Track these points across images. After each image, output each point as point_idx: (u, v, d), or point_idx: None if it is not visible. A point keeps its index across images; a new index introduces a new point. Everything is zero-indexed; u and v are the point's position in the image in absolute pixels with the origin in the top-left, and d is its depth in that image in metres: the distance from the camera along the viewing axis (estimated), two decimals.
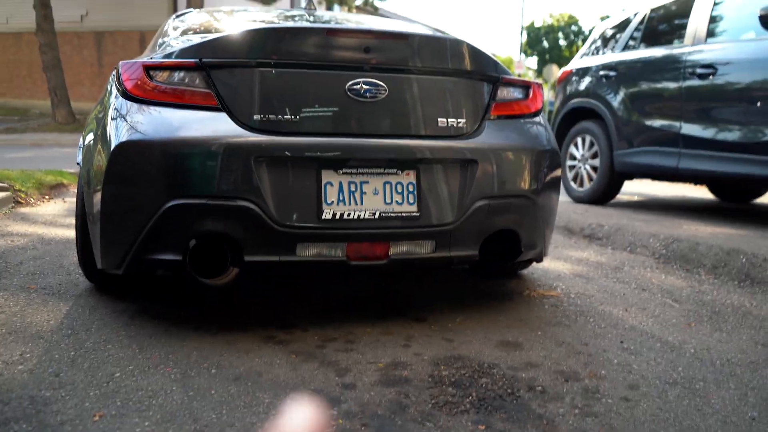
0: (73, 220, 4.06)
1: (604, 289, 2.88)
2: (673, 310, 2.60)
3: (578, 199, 5.51)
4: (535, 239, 2.41)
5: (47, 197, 5.16)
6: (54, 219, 4.18)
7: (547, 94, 25.70)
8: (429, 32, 2.59)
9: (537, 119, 2.48)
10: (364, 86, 2.11)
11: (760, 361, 2.05)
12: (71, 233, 3.66)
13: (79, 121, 15.88)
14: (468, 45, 2.33)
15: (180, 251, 2.01)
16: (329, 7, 24.28)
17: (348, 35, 2.17)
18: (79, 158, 2.60)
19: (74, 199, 5.15)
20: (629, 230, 3.90)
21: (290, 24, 2.72)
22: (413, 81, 2.20)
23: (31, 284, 2.59)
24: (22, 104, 20.77)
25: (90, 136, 2.41)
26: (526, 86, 2.47)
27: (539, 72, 33.20)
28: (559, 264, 3.36)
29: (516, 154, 2.30)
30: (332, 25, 2.47)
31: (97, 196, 2.08)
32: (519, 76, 20.78)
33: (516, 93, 2.43)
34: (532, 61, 35.93)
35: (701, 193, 6.67)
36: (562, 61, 33.65)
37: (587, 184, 5.46)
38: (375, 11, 20.40)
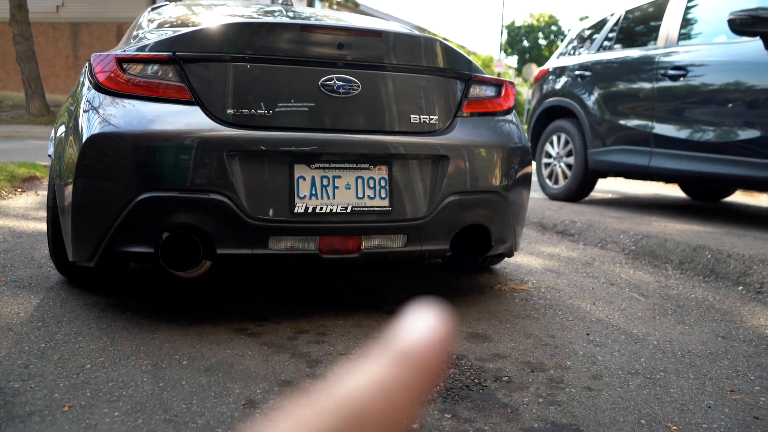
0: (45, 214, 4.03)
1: (574, 283, 2.94)
2: (639, 303, 2.66)
3: (553, 197, 5.59)
4: (505, 234, 2.46)
5: (19, 190, 5.09)
6: (26, 212, 4.14)
7: (526, 93, 25.92)
8: (403, 30, 2.62)
9: (509, 117, 2.52)
10: (337, 82, 2.14)
11: (719, 352, 2.12)
12: (43, 226, 3.62)
13: (54, 113, 15.63)
14: (441, 43, 2.36)
15: (152, 244, 2.02)
16: (310, 4, 24.20)
17: (322, 31, 2.19)
18: (51, 150, 2.59)
19: (46, 192, 5.10)
20: (601, 227, 3.98)
21: (265, 19, 2.73)
22: (387, 78, 2.23)
23: (1, 277, 2.57)
24: None
25: (62, 129, 2.40)
26: (498, 84, 2.51)
27: (519, 71, 33.43)
28: (531, 259, 3.42)
29: (487, 150, 2.34)
30: (306, 21, 2.48)
31: (69, 189, 2.08)
32: (499, 74, 20.94)
33: (488, 91, 2.47)
34: (513, 60, 36.20)
35: (673, 191, 6.81)
36: (541, 61, 33.92)
37: (562, 182, 5.54)
38: (356, 8, 20.37)
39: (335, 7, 19.97)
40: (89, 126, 2.06)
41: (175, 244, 2.08)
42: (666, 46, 4.66)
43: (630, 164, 4.79)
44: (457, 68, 2.38)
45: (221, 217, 2.01)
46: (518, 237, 2.57)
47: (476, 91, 2.43)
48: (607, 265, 3.35)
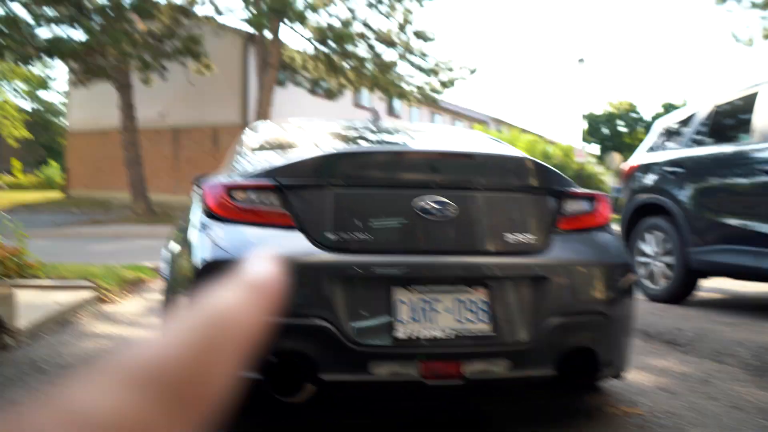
0: (152, 320, 4.20)
1: (693, 406, 2.70)
2: None
3: (653, 298, 5.30)
4: (613, 356, 2.32)
5: (127, 293, 5.37)
6: (135, 318, 4.33)
7: (611, 180, 25.41)
8: (494, 149, 2.65)
9: (606, 231, 2.45)
10: (432, 204, 2.16)
11: None
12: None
13: (156, 213, 16.75)
14: (532, 161, 2.37)
15: (259, 369, 2.03)
16: (390, 103, 25.24)
17: (415, 156, 2.25)
18: (163, 268, 2.72)
19: (153, 296, 5.34)
20: (713, 336, 3.69)
21: (357, 145, 2.82)
22: (480, 198, 2.23)
23: None
24: (104, 196, 22.15)
25: (175, 248, 2.53)
26: (592, 198, 2.47)
27: (601, 159, 33.01)
28: (640, 375, 3.19)
29: (587, 268, 2.26)
30: (400, 148, 2.56)
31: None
32: (581, 164, 20.58)
33: (583, 205, 2.43)
34: (594, 149, 35.92)
35: None
36: (623, 148, 33.41)
37: (662, 282, 5.26)
38: (435, 103, 21.05)
39: (413, 102, 20.70)
40: (202, 249, 2.15)
41: (280, 370, 2.09)
42: (761, 141, 4.46)
43: (739, 265, 4.50)
44: (549, 184, 2.36)
45: (324, 343, 2.01)
46: (627, 357, 2.42)
47: (571, 206, 2.39)
48: (728, 383, 3.07)
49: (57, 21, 15.12)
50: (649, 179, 5.60)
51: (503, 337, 2.11)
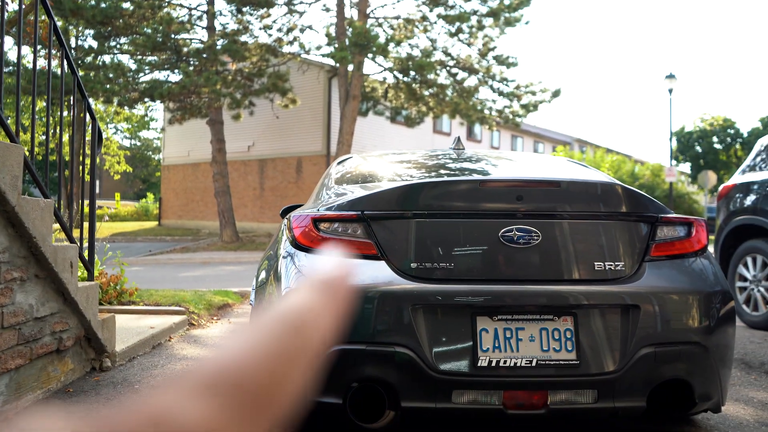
0: None
1: None
2: None
3: (753, 325, 4.98)
4: (710, 389, 2.21)
5: (215, 318, 5.63)
6: (221, 341, 4.52)
7: (704, 201, 24.12)
8: (579, 176, 2.61)
9: (702, 257, 2.35)
10: (517, 233, 2.16)
11: None
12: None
13: (242, 240, 17.44)
14: (621, 186, 2.31)
15: (341, 395, 2.09)
16: (470, 128, 25.21)
17: (500, 185, 2.26)
18: (252, 298, 2.85)
19: (238, 319, 5.57)
20: None
21: (439, 175, 2.85)
22: (566, 225, 2.21)
23: None
24: (194, 225, 23.33)
25: (263, 276, 2.65)
26: (687, 223, 2.37)
27: (693, 178, 31.38)
28: (738, 407, 3.01)
29: (682, 296, 2.18)
30: (483, 176, 2.57)
31: None
32: (671, 184, 19.62)
33: (677, 231, 2.34)
34: (685, 167, 34.19)
35: None
36: (719, 166, 31.66)
37: (763, 309, 4.94)
38: (516, 127, 20.86)
39: (495, 128, 20.60)
40: (287, 277, 2.25)
41: (362, 396, 2.14)
42: None
43: None
44: (640, 210, 2.30)
45: (406, 370, 2.04)
46: (725, 391, 2.30)
47: (664, 232, 2.31)
48: None
49: (157, 66, 16.30)
50: (748, 200, 5.30)
51: (589, 367, 2.06)
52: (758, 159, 5.56)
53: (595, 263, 2.18)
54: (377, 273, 2.15)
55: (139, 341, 4.03)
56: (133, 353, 3.92)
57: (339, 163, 3.37)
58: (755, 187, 5.23)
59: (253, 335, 0.30)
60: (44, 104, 12.52)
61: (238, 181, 21.87)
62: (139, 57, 16.45)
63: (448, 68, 18.12)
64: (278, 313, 0.31)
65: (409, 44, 17.47)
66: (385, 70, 17.53)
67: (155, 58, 16.35)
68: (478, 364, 2.03)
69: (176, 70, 16.38)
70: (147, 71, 16.63)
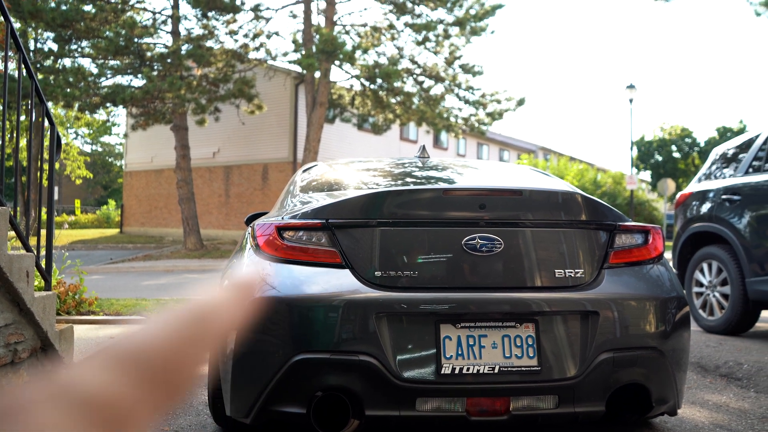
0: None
1: None
2: None
3: (709, 329, 5.12)
4: (666, 393, 2.26)
5: None
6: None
7: (664, 208, 24.75)
8: (541, 184, 2.66)
9: (659, 264, 2.41)
10: (480, 241, 2.18)
11: None
12: (201, 369, 3.87)
13: (207, 248, 17.21)
14: (582, 195, 2.36)
15: (304, 404, 2.08)
16: (437, 136, 25.39)
17: (464, 193, 2.28)
18: None
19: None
20: None
21: (404, 183, 2.87)
22: (528, 234, 2.24)
23: (165, 426, 2.75)
24: (158, 232, 22.93)
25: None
26: (644, 231, 2.44)
27: (653, 186, 32.19)
28: (694, 410, 3.09)
29: (639, 303, 2.23)
30: (447, 185, 2.60)
31: (231, 346, 2.23)
32: (632, 192, 20.09)
33: (635, 239, 2.40)
34: (645, 175, 35.05)
35: None
36: (677, 174, 32.53)
37: (718, 313, 5.08)
38: (482, 135, 21.08)
39: (461, 136, 20.79)
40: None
41: (325, 405, 2.13)
42: None
43: None
44: (599, 218, 2.35)
45: (370, 379, 2.04)
46: (681, 394, 2.36)
47: (622, 240, 2.37)
48: None
49: (120, 71, 16.01)
50: (704, 208, 5.45)
51: (550, 373, 2.09)
52: (713, 167, 5.74)
53: (556, 270, 2.22)
54: (341, 281, 2.14)
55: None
56: None
57: (304, 170, 3.36)
58: (711, 195, 5.40)
59: (164, 319, 0.34)
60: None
61: (203, 187, 21.59)
62: (101, 61, 16.14)
63: (414, 76, 18.26)
64: (186, 305, 0.36)
65: (376, 52, 17.56)
66: (352, 77, 17.58)
67: (118, 62, 16.08)
68: (442, 372, 2.05)
69: (139, 75, 16.13)
70: (109, 75, 16.34)
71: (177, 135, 16.88)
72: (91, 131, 36.32)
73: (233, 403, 2.23)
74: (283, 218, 2.42)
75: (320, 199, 2.49)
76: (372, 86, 17.50)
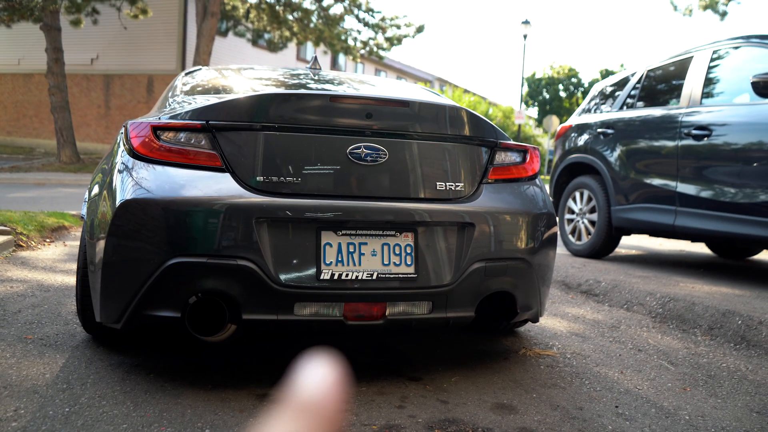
0: (73, 265, 4.10)
1: (601, 349, 2.89)
2: (668, 373, 2.60)
3: (576, 253, 5.55)
4: (530, 301, 2.44)
5: (48, 240, 5.19)
6: (54, 264, 4.21)
7: (547, 144, 26.07)
8: (429, 99, 2.67)
9: (534, 182, 2.53)
10: (365, 150, 2.18)
11: (754, 430, 2.05)
12: (70, 279, 3.68)
13: (84, 162, 16.07)
14: (467, 111, 2.40)
15: (179, 308, 2.04)
16: (334, 57, 24.80)
17: (350, 101, 2.24)
18: (84, 211, 2.65)
19: (75, 242, 5.19)
20: (626, 287, 3.92)
21: (294, 90, 2.79)
22: (413, 145, 2.26)
23: (28, 334, 2.61)
24: (27, 143, 21.05)
25: (96, 190, 2.45)
26: (523, 150, 2.53)
27: (539, 122, 33.67)
28: (555, 321, 3.37)
29: (513, 217, 2.35)
30: (334, 91, 2.54)
31: (100, 251, 2.12)
32: (520, 126, 20.97)
33: (513, 157, 2.50)
34: (534, 112, 36.54)
35: (699, 248, 6.71)
36: (562, 112, 34.18)
37: (585, 238, 5.50)
38: (380, 60, 20.82)
39: (359, 60, 20.46)
40: (123, 190, 2.11)
41: (201, 309, 2.10)
42: (689, 106, 4.68)
43: (655, 222, 4.75)
44: (482, 135, 2.41)
45: (248, 283, 2.03)
46: (544, 303, 2.55)
47: (502, 157, 2.46)
48: (634, 329, 3.29)
49: None
50: (581, 140, 5.78)
51: (426, 280, 2.18)
52: (592, 103, 6.06)
53: (438, 183, 2.27)
54: (221, 186, 2.07)
55: None
56: None
57: (187, 74, 3.16)
58: (588, 128, 5.72)
59: None
60: None
61: (80, 97, 19.92)
62: None
63: None
64: None
65: None
66: None
67: None
68: (321, 277, 2.07)
69: None
70: None
71: (48, 36, 15.24)
72: None
73: (103, 309, 2.14)
74: (160, 118, 2.28)
75: (203, 101, 2.36)
76: None
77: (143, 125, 2.21)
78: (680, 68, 5.01)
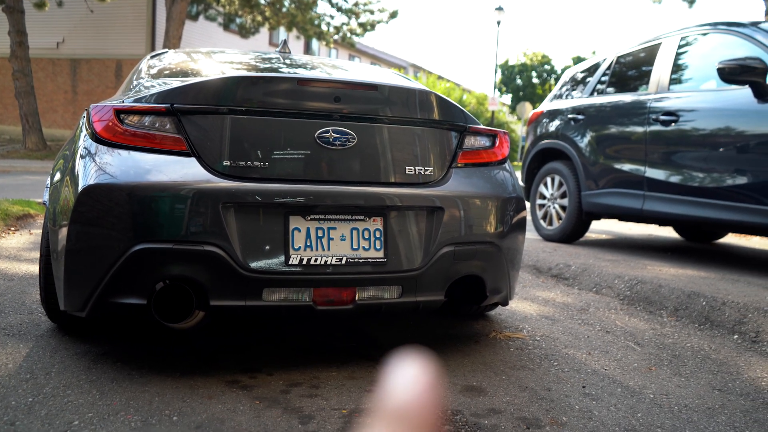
0: (37, 254, 4.01)
1: (569, 331, 2.93)
2: (634, 353, 2.65)
3: (547, 238, 5.61)
4: (500, 284, 2.45)
5: (13, 229, 5.07)
6: (18, 253, 4.11)
7: (520, 130, 26.25)
8: (398, 83, 2.65)
9: (503, 167, 2.54)
10: (333, 134, 2.16)
11: (716, 406, 2.10)
12: (35, 268, 3.60)
13: (50, 148, 15.71)
14: (436, 95, 2.39)
15: (145, 295, 2.00)
16: (308, 43, 24.56)
17: (319, 85, 2.22)
18: (46, 197, 2.58)
19: (40, 231, 5.08)
20: (595, 271, 3.98)
21: (261, 72, 2.75)
22: (382, 130, 2.25)
23: None
24: None
25: (57, 176, 2.39)
26: (492, 135, 2.54)
27: (513, 109, 33.87)
28: (526, 304, 3.41)
29: (482, 201, 2.35)
30: (303, 75, 2.52)
31: (62, 239, 2.07)
32: (493, 112, 21.06)
33: (483, 141, 2.50)
34: (507, 98, 36.70)
35: (667, 232, 6.84)
36: (535, 99, 34.42)
37: (556, 223, 5.56)
38: (352, 47, 20.68)
39: (332, 46, 20.28)
40: (85, 175, 2.06)
41: (168, 296, 2.07)
42: (657, 92, 4.74)
43: (623, 207, 4.82)
44: (452, 120, 2.41)
45: (215, 269, 2.00)
46: (513, 287, 2.57)
47: (471, 141, 2.46)
48: (602, 311, 3.34)
49: None
50: (552, 126, 5.82)
51: (396, 264, 2.17)
52: (564, 89, 6.10)
53: (407, 167, 2.27)
54: (187, 170, 2.04)
55: None
56: None
57: (153, 56, 3.10)
58: (559, 114, 5.76)
59: None
60: None
61: (46, 82, 19.43)
62: None
63: None
64: None
65: None
66: None
67: None
68: (290, 262, 2.05)
69: None
70: None
71: (11, 18, 14.79)
72: None
73: (67, 297, 2.09)
74: (123, 102, 2.22)
75: (168, 84, 2.31)
76: None
77: (106, 109, 2.15)
78: (649, 55, 5.07)
